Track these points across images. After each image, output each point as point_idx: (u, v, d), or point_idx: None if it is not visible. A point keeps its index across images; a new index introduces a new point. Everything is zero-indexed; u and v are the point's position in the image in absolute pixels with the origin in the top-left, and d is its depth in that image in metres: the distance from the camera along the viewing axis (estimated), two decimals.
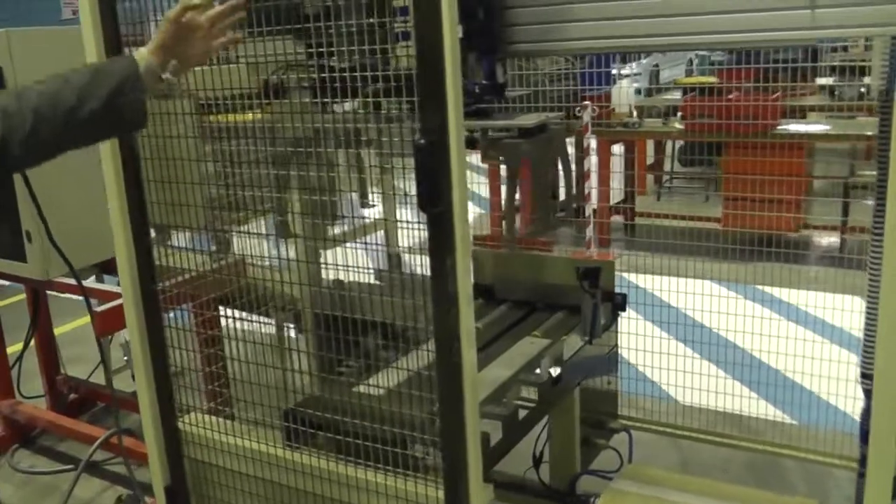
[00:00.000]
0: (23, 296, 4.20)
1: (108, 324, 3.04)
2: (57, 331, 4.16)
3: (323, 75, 2.05)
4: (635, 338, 3.41)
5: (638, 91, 10.15)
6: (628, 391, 3.46)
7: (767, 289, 4.69)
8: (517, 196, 2.81)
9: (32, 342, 4.01)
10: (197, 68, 2.31)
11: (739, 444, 3.17)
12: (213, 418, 2.49)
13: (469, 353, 1.88)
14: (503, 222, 3.91)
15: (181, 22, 1.87)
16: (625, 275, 3.79)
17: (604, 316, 2.95)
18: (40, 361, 4.08)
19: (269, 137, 2.27)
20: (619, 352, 3.30)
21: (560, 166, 2.52)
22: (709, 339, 3.54)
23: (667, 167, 8.79)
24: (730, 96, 5.82)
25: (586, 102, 6.13)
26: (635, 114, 6.87)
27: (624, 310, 3.09)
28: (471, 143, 2.25)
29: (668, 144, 8.50)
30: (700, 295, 3.47)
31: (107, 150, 2.35)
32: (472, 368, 1.90)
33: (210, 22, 1.89)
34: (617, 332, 3.14)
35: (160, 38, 1.87)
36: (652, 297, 3.63)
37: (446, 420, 1.93)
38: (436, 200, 1.78)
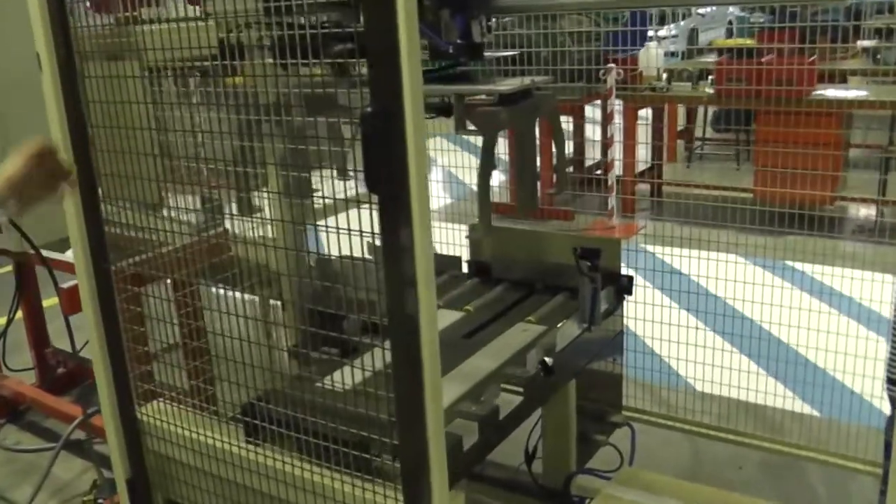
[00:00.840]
0: (10, 267, 4.05)
1: (76, 302, 2.86)
2: (46, 303, 4.01)
3: (283, 33, 1.82)
4: (660, 324, 3.18)
5: (674, 54, 9.73)
6: (635, 378, 3.21)
7: (804, 267, 4.33)
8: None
9: (19, 314, 3.87)
10: (146, 27, 2.11)
11: (753, 444, 2.90)
12: (173, 408, 2.31)
13: (430, 345, 1.66)
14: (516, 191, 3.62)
15: (43, 160, 1.74)
16: (653, 251, 3.53)
17: (606, 300, 2.71)
18: (28, 334, 3.95)
19: (224, 105, 2.04)
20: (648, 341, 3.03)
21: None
22: (743, 329, 3.24)
23: (699, 134, 8.41)
24: (763, 59, 5.46)
25: (611, 65, 5.81)
26: (664, 77, 6.51)
27: (630, 293, 2.84)
28: (446, 110, 2.01)
29: (700, 111, 8.12)
30: (734, 281, 3.19)
31: (54, 115, 2.16)
32: (434, 360, 1.67)
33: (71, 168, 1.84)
34: (623, 316, 2.90)
35: (10, 173, 1.72)
36: (688, 283, 3.35)
37: (404, 421, 1.71)
38: (386, 178, 1.54)
